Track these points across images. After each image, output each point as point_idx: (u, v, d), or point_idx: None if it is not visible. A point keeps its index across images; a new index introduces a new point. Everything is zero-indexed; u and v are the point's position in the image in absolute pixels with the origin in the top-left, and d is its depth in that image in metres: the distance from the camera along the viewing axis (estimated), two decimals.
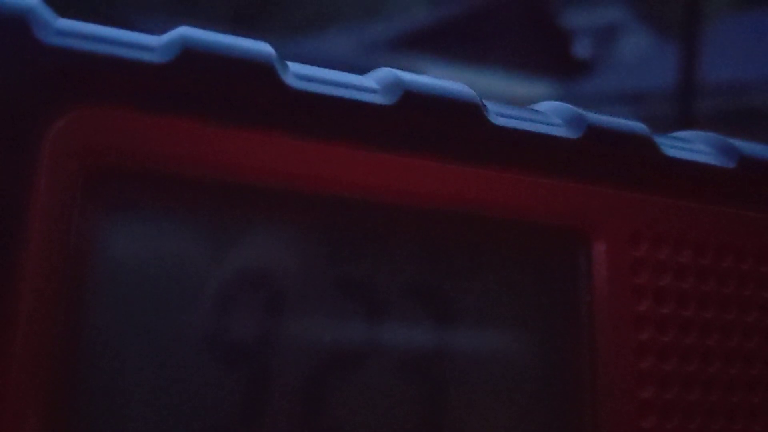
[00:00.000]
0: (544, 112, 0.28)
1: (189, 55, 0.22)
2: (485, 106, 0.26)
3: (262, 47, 0.23)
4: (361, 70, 0.26)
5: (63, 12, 0.23)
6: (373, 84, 0.25)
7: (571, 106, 0.28)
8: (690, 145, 0.29)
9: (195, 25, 0.23)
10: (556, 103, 0.28)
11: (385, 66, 0.26)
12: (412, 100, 0.24)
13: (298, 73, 0.24)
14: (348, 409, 0.24)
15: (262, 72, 0.23)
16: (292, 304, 0.23)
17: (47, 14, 0.22)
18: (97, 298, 0.21)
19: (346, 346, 0.24)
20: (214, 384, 0.22)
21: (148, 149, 0.22)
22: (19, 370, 0.20)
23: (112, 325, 0.22)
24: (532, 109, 0.28)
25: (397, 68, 0.26)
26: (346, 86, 0.24)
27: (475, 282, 0.25)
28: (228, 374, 0.23)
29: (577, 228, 0.26)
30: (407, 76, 0.25)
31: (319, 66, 0.25)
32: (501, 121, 0.26)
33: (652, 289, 0.27)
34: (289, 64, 0.24)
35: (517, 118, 0.26)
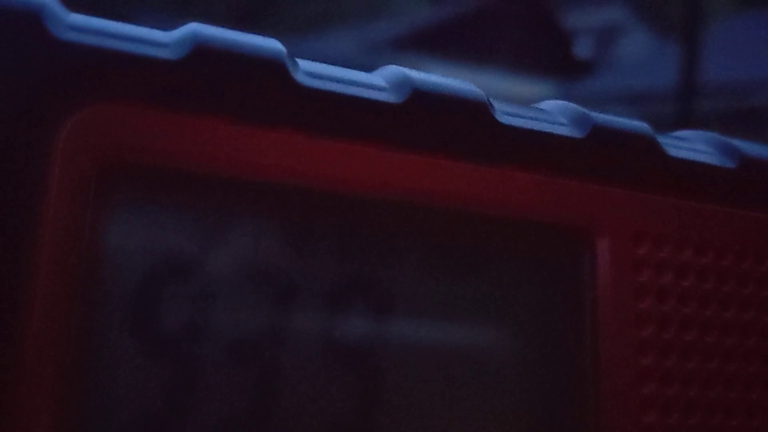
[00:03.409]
0: (550, 111, 0.28)
1: (201, 52, 0.22)
2: (492, 105, 0.26)
3: (273, 44, 0.23)
4: (364, 70, 0.26)
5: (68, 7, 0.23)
6: (381, 82, 0.25)
7: (576, 105, 0.28)
8: (691, 145, 0.29)
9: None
10: (561, 102, 0.28)
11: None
12: (420, 98, 0.25)
13: (308, 71, 0.24)
14: (350, 404, 0.24)
15: (274, 69, 0.23)
16: (300, 301, 0.24)
17: (60, 9, 0.22)
18: (110, 294, 0.22)
19: (354, 342, 0.24)
20: (227, 380, 0.23)
21: (161, 146, 0.22)
22: (33, 366, 0.20)
23: (126, 320, 0.22)
24: (538, 108, 0.28)
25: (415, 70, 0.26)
26: (355, 84, 0.24)
27: (480, 279, 0.26)
28: (240, 370, 0.23)
29: (581, 226, 0.27)
30: (415, 75, 0.25)
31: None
32: (508, 120, 0.26)
33: (654, 287, 0.27)
34: (299, 61, 0.24)
35: (523, 117, 0.26)
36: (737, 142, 0.30)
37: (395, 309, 0.25)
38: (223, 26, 0.24)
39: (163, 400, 0.22)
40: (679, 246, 0.28)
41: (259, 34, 0.24)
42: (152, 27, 0.23)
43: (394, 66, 0.26)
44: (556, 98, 0.28)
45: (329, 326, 0.24)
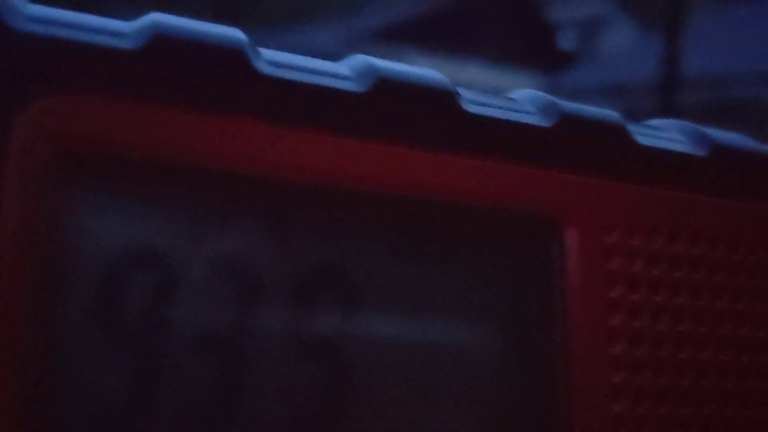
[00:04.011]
0: (518, 100, 0.28)
1: (160, 42, 0.22)
2: (459, 93, 0.26)
3: (234, 33, 0.23)
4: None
5: None
6: (346, 71, 0.25)
7: (545, 94, 0.28)
8: (663, 134, 0.29)
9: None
10: (531, 91, 0.28)
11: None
12: (385, 87, 0.24)
13: (269, 60, 0.24)
14: (317, 395, 0.24)
15: (234, 58, 0.23)
16: (267, 292, 0.23)
17: (18, 0, 0.22)
18: (71, 286, 0.21)
19: (322, 333, 0.24)
20: (193, 372, 0.22)
21: (120, 136, 0.22)
22: None
23: (88, 313, 0.22)
24: (506, 97, 0.28)
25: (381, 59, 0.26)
26: (319, 73, 0.24)
27: (448, 269, 0.26)
28: (205, 362, 0.23)
29: (550, 215, 0.27)
30: (381, 63, 0.25)
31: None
32: (474, 109, 0.26)
33: (625, 275, 0.27)
34: (261, 50, 0.24)
35: (490, 106, 0.26)
36: (709, 131, 0.30)
37: (363, 299, 0.25)
38: (201, 20, 0.24)
39: (127, 393, 0.22)
40: (650, 234, 0.28)
41: (238, 27, 0.24)
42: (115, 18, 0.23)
43: (359, 55, 0.26)
44: (539, 90, 0.28)
45: (297, 317, 0.24)
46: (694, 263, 0.28)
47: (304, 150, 0.23)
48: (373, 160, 0.24)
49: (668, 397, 0.27)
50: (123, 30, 0.22)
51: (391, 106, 0.24)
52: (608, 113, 0.28)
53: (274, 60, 0.24)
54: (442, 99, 0.25)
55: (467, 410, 0.25)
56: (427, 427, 0.25)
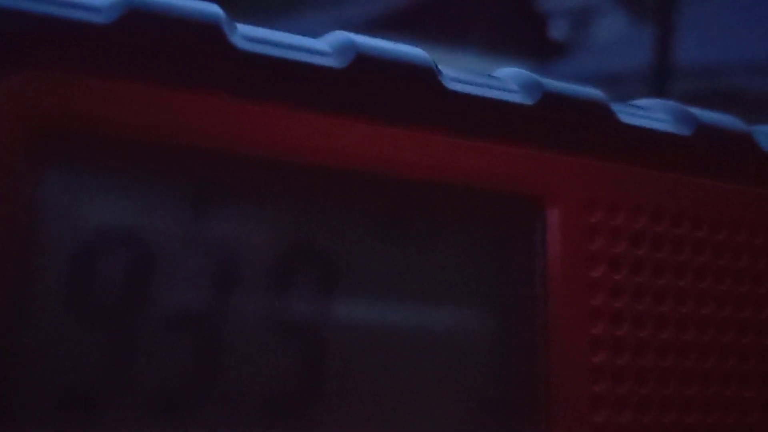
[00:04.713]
0: (501, 78, 0.27)
1: (134, 16, 0.22)
2: (440, 70, 0.25)
3: (210, 8, 0.23)
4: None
5: None
6: (325, 47, 0.24)
7: (528, 72, 0.28)
8: (648, 113, 0.29)
9: None
10: (514, 69, 0.28)
11: None
12: (364, 63, 0.24)
13: (246, 35, 0.23)
14: (294, 374, 0.24)
15: (209, 33, 0.22)
16: (243, 271, 0.23)
17: None
18: (44, 264, 0.21)
19: (299, 312, 0.24)
20: (167, 350, 0.22)
21: (94, 112, 0.21)
22: None
23: (61, 291, 0.21)
24: (489, 75, 0.28)
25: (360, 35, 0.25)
26: (298, 49, 0.24)
27: (429, 248, 0.25)
28: (180, 340, 0.22)
29: (532, 194, 0.26)
30: (360, 39, 0.25)
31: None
32: (455, 86, 0.25)
33: (607, 255, 0.27)
34: (238, 25, 0.24)
35: (472, 84, 0.26)
36: (695, 110, 0.30)
37: (342, 278, 0.24)
38: None
39: (101, 372, 0.21)
40: (633, 214, 0.27)
41: (231, 16, 0.24)
42: None
43: (339, 31, 0.25)
44: None
45: (274, 298, 0.23)
46: (677, 243, 0.28)
47: (283, 127, 0.23)
48: (352, 137, 0.24)
49: (648, 378, 0.27)
50: (96, 4, 0.22)
51: (371, 82, 0.24)
52: (592, 91, 0.28)
53: (252, 35, 0.23)
54: (423, 76, 0.25)
55: (446, 390, 0.25)
56: (406, 408, 0.25)
